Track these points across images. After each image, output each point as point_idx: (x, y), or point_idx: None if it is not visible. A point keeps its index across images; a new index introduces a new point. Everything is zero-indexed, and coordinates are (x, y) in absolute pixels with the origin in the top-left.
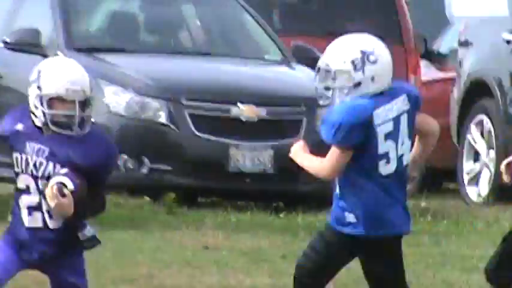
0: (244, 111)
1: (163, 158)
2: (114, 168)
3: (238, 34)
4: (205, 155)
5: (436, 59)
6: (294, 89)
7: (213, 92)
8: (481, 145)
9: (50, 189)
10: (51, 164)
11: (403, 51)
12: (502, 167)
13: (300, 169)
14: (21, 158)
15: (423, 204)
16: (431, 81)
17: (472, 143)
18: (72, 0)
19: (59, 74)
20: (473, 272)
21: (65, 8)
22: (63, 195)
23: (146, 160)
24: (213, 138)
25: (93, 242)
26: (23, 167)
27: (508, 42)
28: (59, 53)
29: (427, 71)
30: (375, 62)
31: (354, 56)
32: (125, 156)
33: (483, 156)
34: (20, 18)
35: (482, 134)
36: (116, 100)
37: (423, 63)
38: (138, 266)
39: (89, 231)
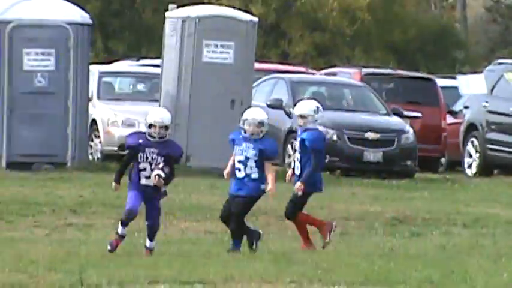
0: (371, 135)
1: (335, 155)
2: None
3: (368, 101)
4: (355, 154)
5: (454, 113)
6: (390, 125)
7: (358, 126)
8: (472, 151)
9: (154, 178)
10: (158, 157)
11: (439, 111)
12: None
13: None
14: (143, 155)
15: (447, 176)
16: (452, 123)
17: (469, 150)
18: (295, 87)
19: (152, 115)
20: (468, 206)
21: (293, 91)
22: (160, 179)
23: (327, 156)
24: (356, 147)
25: (165, 194)
26: (144, 159)
27: (484, 106)
28: (291, 109)
29: (450, 119)
30: None
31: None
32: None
33: (474, 156)
34: (274, 93)
35: (473, 146)
36: None
37: (448, 116)
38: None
39: (163, 189)
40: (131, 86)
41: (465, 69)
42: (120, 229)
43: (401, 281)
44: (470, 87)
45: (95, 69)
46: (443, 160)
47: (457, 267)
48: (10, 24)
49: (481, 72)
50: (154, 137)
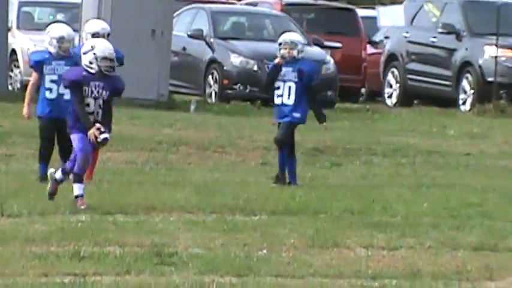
0: None
1: (255, 85)
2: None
3: (288, 32)
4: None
5: (374, 43)
6: (312, 55)
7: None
8: (392, 81)
9: (102, 140)
10: (103, 91)
11: (360, 41)
12: None
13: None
14: (88, 89)
15: (367, 106)
16: (372, 53)
17: (389, 80)
18: (216, 18)
19: (103, 48)
20: (388, 135)
21: (214, 21)
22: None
23: (248, 86)
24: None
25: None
26: (88, 94)
27: (404, 37)
28: (211, 40)
29: (370, 49)
30: None
31: None
32: (239, 84)
33: (393, 86)
34: (193, 24)
35: (393, 76)
36: (235, 60)
37: (368, 46)
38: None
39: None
40: (51, 16)
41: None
42: (78, 187)
43: (322, 211)
44: (389, 19)
45: None
46: (363, 90)
47: (377, 197)
48: None
49: (401, 3)
50: (108, 71)
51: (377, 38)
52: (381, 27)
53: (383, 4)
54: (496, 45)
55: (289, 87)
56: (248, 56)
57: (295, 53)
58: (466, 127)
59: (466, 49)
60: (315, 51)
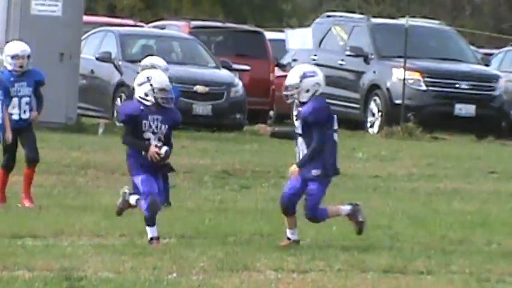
0: (200, 88)
1: None
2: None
3: (197, 54)
4: (185, 108)
5: (282, 66)
6: (220, 78)
7: (187, 79)
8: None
9: (164, 153)
10: (162, 125)
11: (268, 64)
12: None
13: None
14: (147, 123)
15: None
16: (279, 76)
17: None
18: (124, 40)
19: (162, 79)
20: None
21: (122, 43)
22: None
23: None
24: (185, 100)
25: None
26: (147, 128)
27: (313, 60)
28: (120, 63)
29: (278, 72)
30: None
31: None
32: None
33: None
34: (102, 47)
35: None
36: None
37: (276, 69)
38: None
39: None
40: None
41: (292, 22)
42: (151, 230)
43: (231, 234)
44: (297, 42)
45: None
46: (271, 113)
47: None
48: None
49: (309, 26)
50: (157, 103)
51: (285, 60)
52: (289, 50)
53: (291, 27)
54: (404, 68)
55: None
56: None
57: None
58: (375, 150)
59: (374, 72)
60: (223, 74)
